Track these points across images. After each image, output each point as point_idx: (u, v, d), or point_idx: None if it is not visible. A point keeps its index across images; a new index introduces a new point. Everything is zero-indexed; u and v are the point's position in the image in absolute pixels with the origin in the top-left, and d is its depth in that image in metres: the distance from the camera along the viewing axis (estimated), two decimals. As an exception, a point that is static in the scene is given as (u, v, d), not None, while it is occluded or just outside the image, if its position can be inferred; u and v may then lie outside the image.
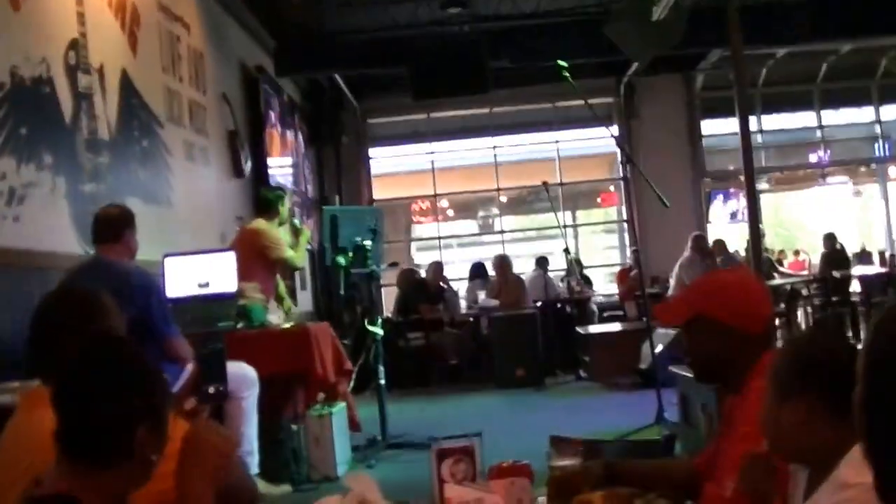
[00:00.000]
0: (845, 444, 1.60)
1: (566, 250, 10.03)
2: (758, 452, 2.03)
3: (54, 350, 2.42)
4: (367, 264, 5.74)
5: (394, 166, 14.56)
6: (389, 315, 11.10)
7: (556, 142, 13.85)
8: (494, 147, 13.93)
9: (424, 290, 10.86)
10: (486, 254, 14.34)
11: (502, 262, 10.94)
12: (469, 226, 16.99)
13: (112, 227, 4.35)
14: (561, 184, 13.73)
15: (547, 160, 14.11)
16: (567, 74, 5.86)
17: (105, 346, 2.05)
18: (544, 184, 9.51)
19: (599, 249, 17.18)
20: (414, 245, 16.16)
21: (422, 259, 14.80)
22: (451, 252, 16.01)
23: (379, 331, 5.86)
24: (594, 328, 10.05)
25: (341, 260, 5.72)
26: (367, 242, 5.74)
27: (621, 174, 13.77)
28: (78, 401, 1.89)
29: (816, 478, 1.76)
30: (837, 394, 1.61)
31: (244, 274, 5.67)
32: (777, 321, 10.33)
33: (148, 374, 2.00)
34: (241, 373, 4.64)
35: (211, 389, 2.66)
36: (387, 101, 12.86)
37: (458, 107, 12.95)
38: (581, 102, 7.05)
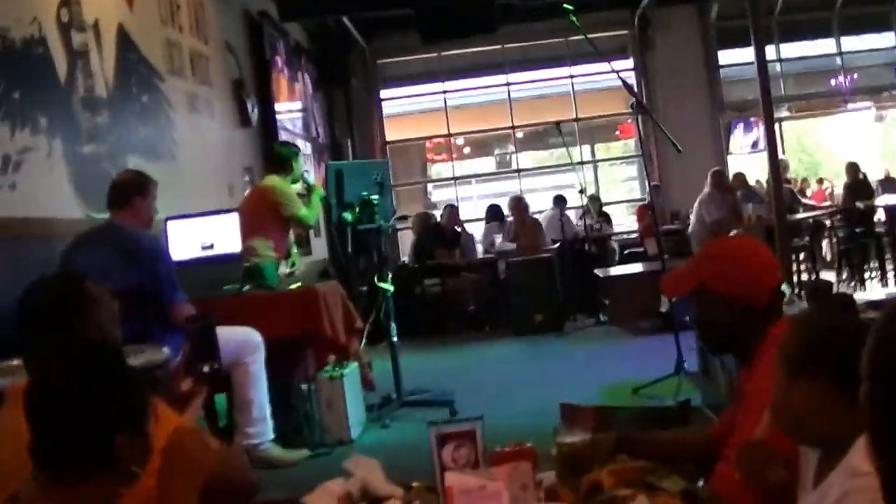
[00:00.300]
0: (858, 428, 1.50)
1: (582, 191, 9.86)
2: (755, 441, 2.00)
3: (34, 346, 2.34)
4: (374, 219, 5.60)
5: (406, 106, 14.33)
6: (406, 260, 11.02)
7: (571, 76, 13.57)
8: (508, 84, 13.66)
9: (440, 236, 10.72)
10: (505, 189, 14.23)
11: (518, 204, 10.76)
12: (486, 163, 16.81)
13: (122, 191, 4.35)
14: (577, 119, 13.50)
15: (562, 95, 13.86)
16: (573, 18, 5.63)
17: (79, 352, 1.95)
18: (557, 124, 9.30)
19: (620, 181, 16.99)
20: (430, 184, 16.03)
21: (439, 197, 14.69)
22: (469, 188, 15.88)
23: (389, 287, 5.74)
24: (614, 270, 9.89)
25: (348, 216, 5.60)
26: (374, 197, 5.59)
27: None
28: (51, 411, 1.80)
29: (827, 460, 1.71)
30: (849, 377, 1.51)
31: (257, 231, 5.60)
32: (802, 254, 10.19)
33: (126, 379, 1.91)
34: (245, 337, 4.55)
35: (206, 368, 2.57)
36: (397, 42, 12.60)
37: (470, 44, 12.67)
38: (594, 35, 6.81)
